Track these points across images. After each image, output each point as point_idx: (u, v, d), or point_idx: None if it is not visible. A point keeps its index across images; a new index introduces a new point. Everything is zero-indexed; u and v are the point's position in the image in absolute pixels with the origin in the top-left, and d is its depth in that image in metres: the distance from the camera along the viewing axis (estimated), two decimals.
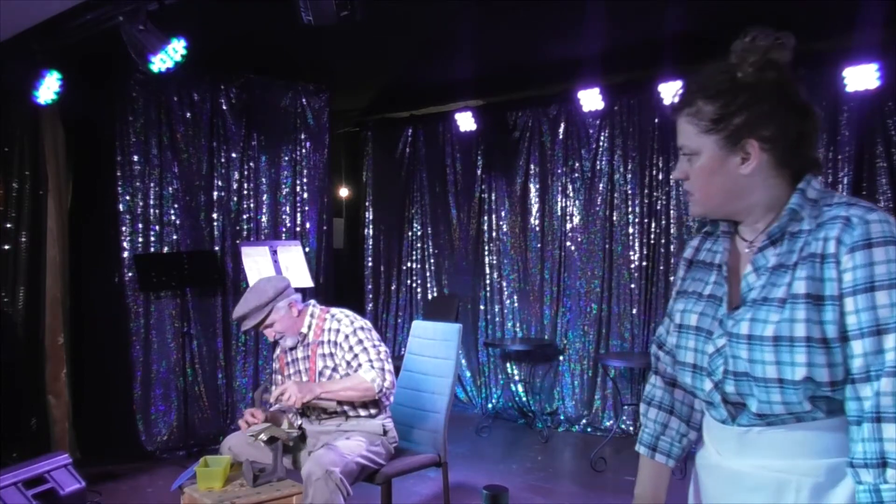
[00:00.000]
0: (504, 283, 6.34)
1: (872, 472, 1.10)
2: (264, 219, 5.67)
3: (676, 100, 1.35)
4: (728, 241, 1.37)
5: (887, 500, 1.08)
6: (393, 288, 7.01)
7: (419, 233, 6.95)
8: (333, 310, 3.09)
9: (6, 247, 4.55)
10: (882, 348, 1.12)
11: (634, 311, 5.56)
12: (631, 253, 5.59)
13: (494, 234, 6.42)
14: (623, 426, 5.48)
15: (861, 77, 4.34)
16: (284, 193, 5.78)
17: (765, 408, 1.22)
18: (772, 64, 1.28)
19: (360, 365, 2.91)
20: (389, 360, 2.96)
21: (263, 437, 2.82)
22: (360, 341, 2.95)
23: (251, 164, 5.60)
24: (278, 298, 2.97)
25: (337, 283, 6.32)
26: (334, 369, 2.98)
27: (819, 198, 1.25)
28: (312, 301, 3.15)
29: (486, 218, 6.45)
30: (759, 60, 1.28)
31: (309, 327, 3.03)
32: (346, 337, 2.96)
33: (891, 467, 1.09)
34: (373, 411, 3.01)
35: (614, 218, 5.70)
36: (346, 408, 2.98)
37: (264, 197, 5.66)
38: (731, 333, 1.25)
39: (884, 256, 1.14)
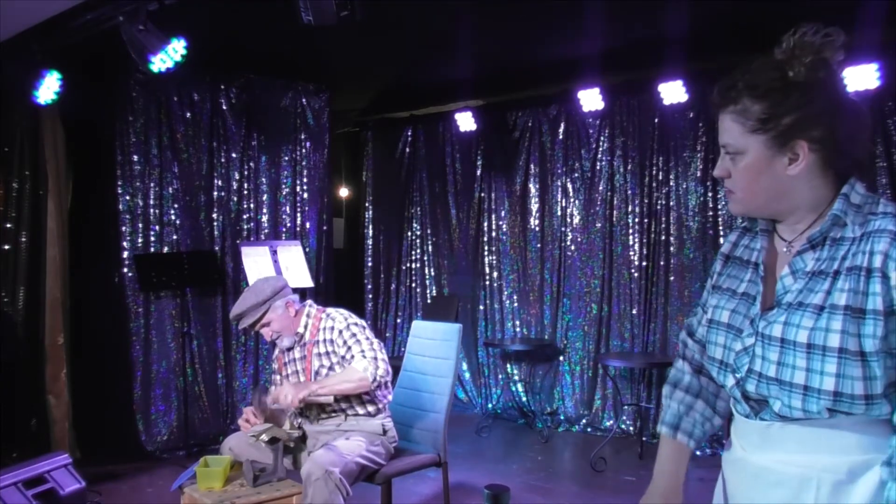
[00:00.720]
0: (504, 283, 6.34)
1: None
2: (264, 219, 5.67)
3: (719, 96, 1.32)
4: (766, 239, 1.36)
5: None
6: (393, 288, 7.01)
7: (419, 233, 6.95)
8: (329, 309, 3.10)
9: (6, 247, 4.55)
10: None
11: (634, 311, 5.56)
12: (631, 253, 5.59)
13: (494, 234, 6.42)
14: (623, 426, 5.48)
15: (861, 77, 4.34)
16: (284, 193, 5.78)
17: (784, 410, 1.23)
18: (823, 62, 1.25)
19: (352, 357, 2.92)
20: (383, 350, 2.97)
21: (265, 437, 2.82)
22: (354, 335, 2.96)
23: (251, 164, 5.60)
24: (275, 298, 2.98)
25: (337, 283, 6.32)
26: (331, 368, 2.98)
27: (863, 203, 1.23)
28: (309, 301, 3.15)
29: (485, 218, 6.45)
30: (813, 59, 1.25)
31: (305, 327, 3.04)
32: (340, 332, 2.97)
33: None
34: (371, 409, 3.01)
35: (614, 218, 5.70)
36: (343, 405, 2.98)
37: (264, 197, 5.67)
38: (763, 334, 1.25)
39: None
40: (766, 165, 1.25)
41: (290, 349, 3.07)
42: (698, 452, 4.97)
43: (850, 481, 1.20)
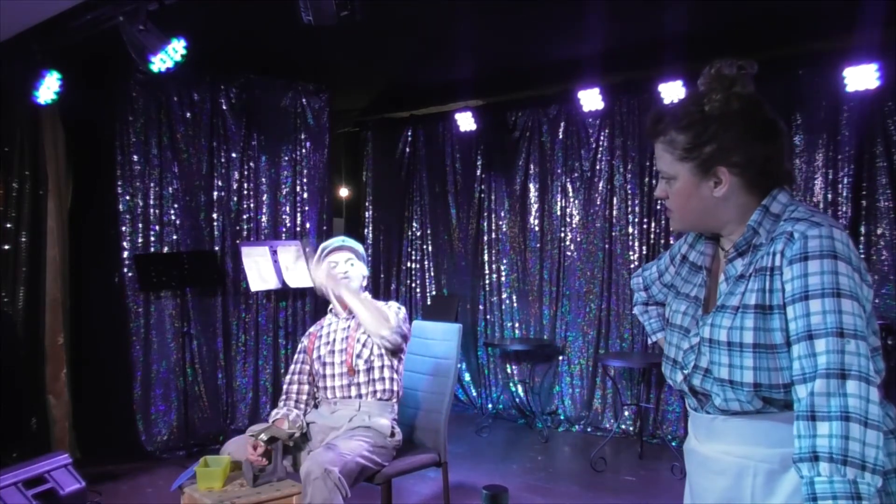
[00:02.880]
0: (503, 283, 6.34)
1: (807, 466, 1.19)
2: (264, 219, 5.67)
3: (651, 127, 1.46)
4: (711, 246, 1.51)
5: (819, 491, 1.16)
6: (393, 288, 7.01)
7: (419, 233, 6.95)
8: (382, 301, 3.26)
9: (6, 247, 4.55)
10: (814, 352, 1.22)
11: (634, 311, 5.55)
12: (631, 253, 5.59)
13: (494, 234, 6.42)
14: (623, 426, 5.48)
15: (861, 77, 4.35)
16: (284, 193, 5.78)
17: (723, 404, 1.37)
18: (736, 95, 1.38)
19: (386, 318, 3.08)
20: (408, 324, 3.16)
21: (264, 437, 2.82)
22: (390, 306, 3.15)
23: (251, 164, 5.60)
24: (364, 262, 3.25)
25: None
26: (371, 352, 3.07)
27: (782, 211, 1.37)
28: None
29: (485, 218, 6.45)
30: (725, 94, 1.38)
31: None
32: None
33: (822, 460, 1.17)
34: (387, 387, 3.07)
35: (614, 218, 5.70)
36: (362, 382, 3.05)
37: (264, 197, 5.66)
38: (701, 336, 1.40)
39: (818, 268, 1.25)
40: (695, 189, 1.41)
41: (335, 319, 3.20)
42: None
43: (782, 471, 1.31)
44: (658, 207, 5.46)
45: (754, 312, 1.32)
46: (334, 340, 3.15)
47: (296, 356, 3.27)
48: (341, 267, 3.17)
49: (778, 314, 1.30)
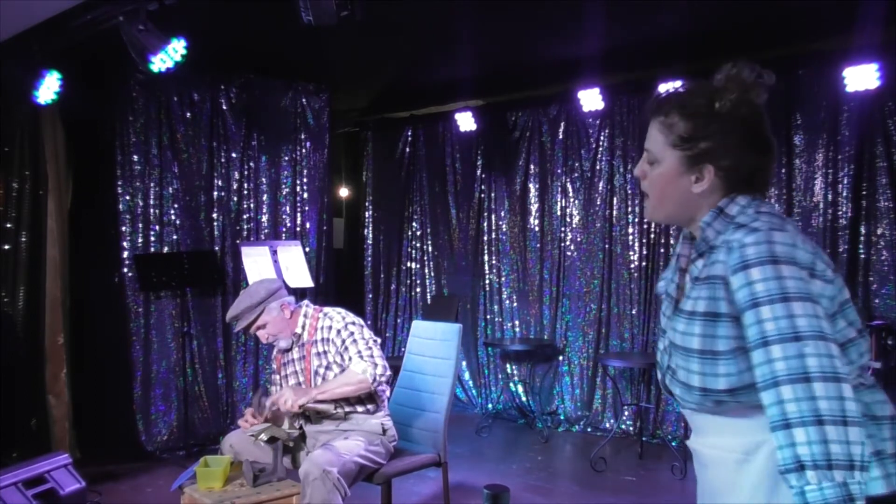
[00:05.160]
0: (503, 283, 6.34)
1: (794, 476, 1.17)
2: (264, 219, 5.67)
3: (654, 104, 1.43)
4: (687, 246, 1.49)
5: (811, 500, 1.14)
6: (393, 288, 7.01)
7: (419, 233, 6.95)
8: (326, 309, 3.10)
9: (6, 247, 4.55)
10: (771, 358, 1.21)
11: (634, 311, 5.56)
12: (631, 253, 5.59)
13: (494, 234, 6.42)
14: (623, 426, 5.48)
15: (861, 77, 4.35)
16: (284, 193, 5.78)
17: (684, 403, 1.42)
18: (747, 102, 1.37)
19: (350, 358, 2.92)
20: (379, 348, 2.97)
21: (264, 437, 2.82)
22: (351, 333, 2.96)
23: (251, 164, 5.60)
24: (270, 300, 2.98)
25: (337, 283, 6.32)
26: (328, 367, 2.98)
27: (738, 214, 1.37)
28: (305, 301, 3.15)
29: (485, 218, 6.45)
30: (738, 97, 1.36)
31: (303, 327, 3.04)
32: (338, 332, 2.97)
33: (808, 469, 1.15)
34: (370, 406, 3.00)
35: (614, 218, 5.70)
36: (343, 406, 2.98)
37: (264, 197, 5.66)
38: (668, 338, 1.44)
39: (760, 276, 1.24)
40: (676, 178, 1.40)
41: (288, 350, 3.08)
42: None
43: (745, 460, 1.34)
44: None
45: (703, 319, 1.33)
46: (293, 373, 3.09)
47: (272, 369, 3.26)
48: (262, 334, 3.00)
49: (725, 323, 1.31)
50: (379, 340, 3.06)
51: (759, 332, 1.23)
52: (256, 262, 4.90)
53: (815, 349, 1.19)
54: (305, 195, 5.88)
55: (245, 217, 5.58)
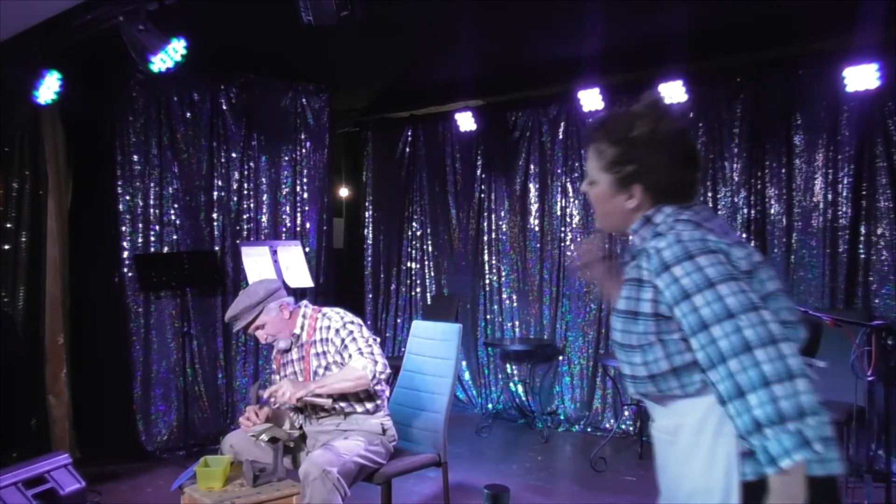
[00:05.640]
0: (503, 283, 6.34)
1: (756, 437, 1.32)
2: (264, 219, 5.66)
3: (588, 132, 1.65)
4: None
5: (774, 453, 1.30)
6: (393, 288, 7.01)
7: (419, 233, 6.95)
8: (325, 309, 3.10)
9: (6, 247, 4.55)
10: (713, 339, 1.37)
11: None
12: None
13: (494, 234, 6.42)
14: (623, 426, 5.48)
15: (861, 77, 4.34)
16: (284, 193, 5.78)
17: (633, 393, 1.59)
18: (665, 125, 1.53)
19: (349, 355, 2.92)
20: (378, 346, 2.97)
21: (264, 437, 2.82)
22: (350, 332, 2.96)
23: (251, 164, 5.60)
24: (269, 300, 2.98)
25: (337, 283, 6.32)
26: (328, 367, 2.98)
27: (662, 222, 1.54)
28: (304, 301, 3.15)
29: (485, 218, 6.45)
30: (652, 123, 1.53)
31: (302, 328, 3.04)
32: (337, 331, 2.97)
33: (765, 427, 1.30)
34: (369, 406, 3.00)
35: None
36: (343, 405, 2.97)
37: (264, 197, 5.66)
38: None
39: (682, 272, 1.42)
40: (611, 197, 1.60)
41: (287, 350, 3.08)
42: None
43: (671, 442, 1.55)
44: None
45: (625, 316, 1.51)
46: (292, 373, 3.08)
47: (272, 368, 3.26)
48: (260, 335, 3.01)
49: (643, 320, 1.48)
50: (378, 339, 3.06)
51: (697, 319, 1.39)
52: (256, 262, 4.90)
53: (748, 321, 1.35)
54: (305, 195, 5.88)
55: (245, 217, 5.58)
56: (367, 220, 7.07)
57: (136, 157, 5.03)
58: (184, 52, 3.76)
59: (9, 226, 4.56)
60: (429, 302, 6.81)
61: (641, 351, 1.49)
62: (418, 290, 6.94)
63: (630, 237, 1.58)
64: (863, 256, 4.61)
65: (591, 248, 1.82)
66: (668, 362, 1.47)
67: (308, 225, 5.89)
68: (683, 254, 1.42)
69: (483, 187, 6.46)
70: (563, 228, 5.96)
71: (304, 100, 5.86)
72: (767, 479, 1.33)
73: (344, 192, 7.42)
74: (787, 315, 1.47)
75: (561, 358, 5.93)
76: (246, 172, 5.58)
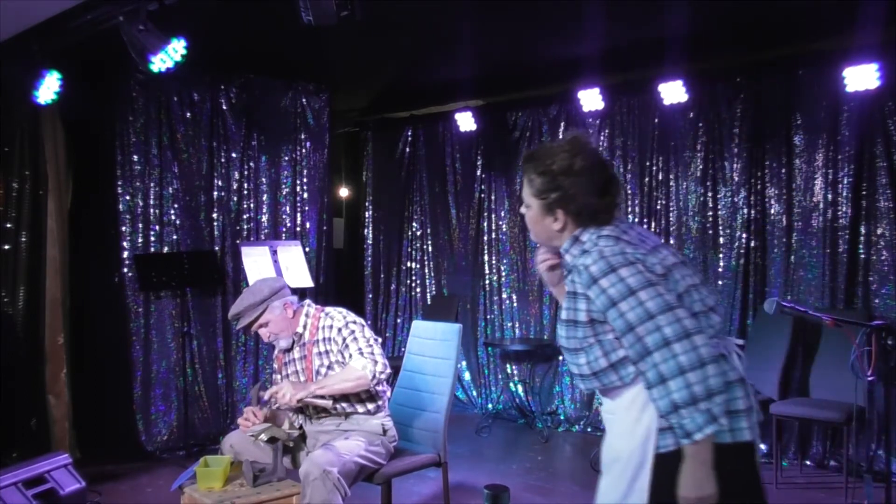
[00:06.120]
0: (503, 283, 6.34)
1: (674, 416, 1.60)
2: (264, 219, 5.66)
3: (522, 162, 1.88)
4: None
5: (689, 428, 1.59)
6: (393, 288, 7.01)
7: (419, 233, 6.95)
8: (328, 308, 3.10)
9: (6, 247, 4.55)
10: (640, 337, 1.64)
11: None
12: None
13: (494, 234, 6.41)
14: None
15: (861, 77, 4.34)
16: (284, 193, 5.78)
17: (581, 388, 1.90)
18: (581, 158, 1.79)
19: (350, 355, 2.92)
20: (379, 346, 2.97)
21: (264, 437, 2.82)
22: (352, 332, 2.96)
23: (251, 164, 5.60)
24: (273, 298, 2.98)
25: (337, 283, 6.32)
26: (330, 367, 2.97)
27: (587, 240, 1.79)
28: (307, 301, 3.15)
29: (485, 218, 6.45)
30: (571, 157, 1.79)
31: (304, 327, 3.04)
32: (339, 331, 2.97)
33: (680, 408, 1.59)
34: (370, 406, 3.00)
35: None
36: (343, 405, 2.97)
37: (264, 197, 5.66)
38: None
39: (608, 283, 1.68)
40: (540, 220, 1.86)
41: (289, 350, 3.07)
42: None
43: (610, 420, 1.85)
44: (658, 207, 5.46)
45: (567, 325, 1.79)
46: (293, 372, 3.08)
47: (273, 368, 3.25)
48: (263, 333, 3.00)
49: (581, 327, 1.76)
50: (380, 340, 3.06)
51: (625, 322, 1.66)
52: (256, 262, 4.90)
53: (666, 320, 1.62)
54: (305, 195, 5.88)
55: (245, 217, 5.58)
56: (367, 220, 7.07)
57: (136, 157, 5.03)
58: (184, 52, 3.75)
59: (9, 226, 4.56)
60: (429, 302, 6.81)
61: (584, 352, 1.77)
62: (418, 290, 6.94)
63: (562, 254, 1.85)
64: (863, 256, 4.61)
65: (545, 256, 1.99)
66: (607, 359, 1.75)
67: (308, 225, 5.89)
68: (608, 268, 1.69)
69: (483, 187, 6.46)
70: None
71: (304, 100, 5.86)
72: (683, 449, 1.62)
73: (344, 192, 7.42)
74: (700, 306, 1.73)
75: (561, 358, 5.93)
76: (246, 172, 5.57)
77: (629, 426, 1.76)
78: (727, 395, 1.61)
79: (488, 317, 6.45)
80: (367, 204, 7.09)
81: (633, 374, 1.73)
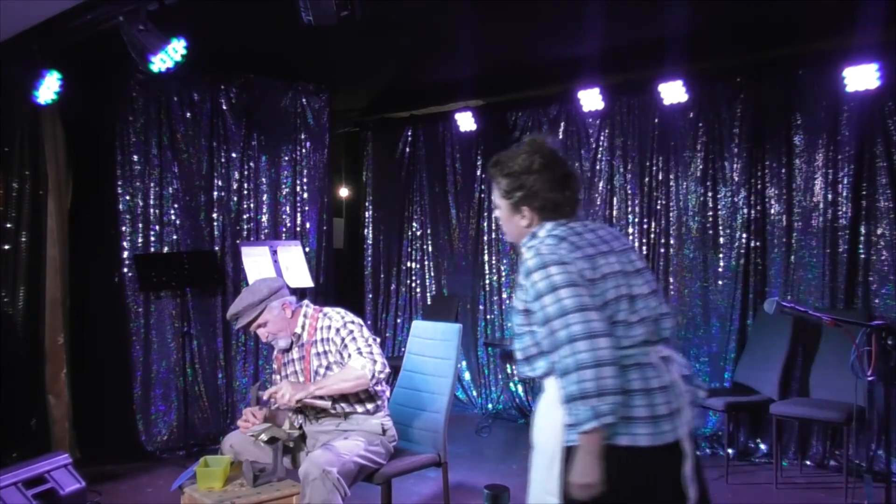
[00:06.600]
0: (503, 283, 6.34)
1: (569, 405, 1.75)
2: (264, 219, 5.66)
3: (489, 166, 2.05)
4: None
5: (577, 420, 1.74)
6: (393, 288, 7.01)
7: (419, 233, 6.95)
8: (326, 309, 3.10)
9: (6, 247, 4.55)
10: (554, 331, 1.79)
11: None
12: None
13: (494, 234, 6.41)
14: None
15: (861, 77, 4.34)
16: (284, 193, 5.78)
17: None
18: (539, 157, 1.96)
19: (349, 355, 2.92)
20: (378, 346, 2.97)
21: (264, 437, 2.82)
22: (351, 332, 2.96)
23: (251, 164, 5.60)
24: (272, 298, 2.98)
25: (337, 283, 6.32)
26: (328, 367, 2.97)
27: (538, 237, 1.93)
28: (306, 301, 3.15)
29: (485, 218, 6.45)
30: (529, 157, 1.96)
31: (303, 327, 3.04)
32: (337, 331, 2.97)
33: (575, 400, 1.73)
34: (369, 406, 3.00)
35: (614, 218, 5.70)
36: (343, 405, 2.97)
37: (264, 197, 5.66)
38: None
39: (539, 277, 1.83)
40: (509, 218, 2.03)
41: (288, 350, 3.08)
42: (698, 452, 4.96)
43: (538, 407, 2.00)
44: (658, 207, 5.46)
45: (513, 310, 1.97)
46: (293, 373, 3.08)
47: (273, 368, 3.25)
48: (262, 333, 3.01)
49: (518, 315, 1.93)
50: (378, 339, 3.06)
51: (545, 315, 1.81)
52: (256, 262, 4.90)
53: (577, 319, 1.76)
54: (305, 195, 5.88)
55: (245, 217, 5.58)
56: (367, 220, 7.07)
57: (136, 157, 5.03)
58: (184, 52, 3.75)
59: (9, 226, 4.56)
60: (429, 302, 6.81)
61: (520, 338, 1.96)
62: (418, 290, 6.94)
63: (522, 249, 1.97)
64: (863, 256, 4.61)
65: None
66: (536, 347, 1.90)
67: (308, 225, 5.89)
68: (541, 263, 1.84)
69: (483, 187, 6.46)
70: None
71: (304, 100, 5.86)
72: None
73: (344, 192, 7.42)
74: (625, 315, 1.85)
75: None
76: (246, 172, 5.57)
77: (548, 416, 1.91)
78: (616, 398, 1.72)
79: (488, 317, 6.45)
80: (367, 204, 7.09)
81: (539, 370, 1.92)
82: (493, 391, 6.34)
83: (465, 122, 6.16)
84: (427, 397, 3.32)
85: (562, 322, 1.77)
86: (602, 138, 5.74)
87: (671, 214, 5.39)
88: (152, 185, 5.10)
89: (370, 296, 6.99)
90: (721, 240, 5.16)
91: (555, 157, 1.99)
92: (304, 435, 3.08)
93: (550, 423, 1.88)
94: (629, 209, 5.60)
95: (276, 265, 4.97)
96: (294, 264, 5.07)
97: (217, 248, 5.41)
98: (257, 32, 4.56)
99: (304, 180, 5.87)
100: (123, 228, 4.99)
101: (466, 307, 6.52)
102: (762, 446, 4.87)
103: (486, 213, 6.45)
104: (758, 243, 5.02)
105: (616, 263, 1.89)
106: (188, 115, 5.25)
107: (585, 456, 1.76)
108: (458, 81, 5.78)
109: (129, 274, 4.98)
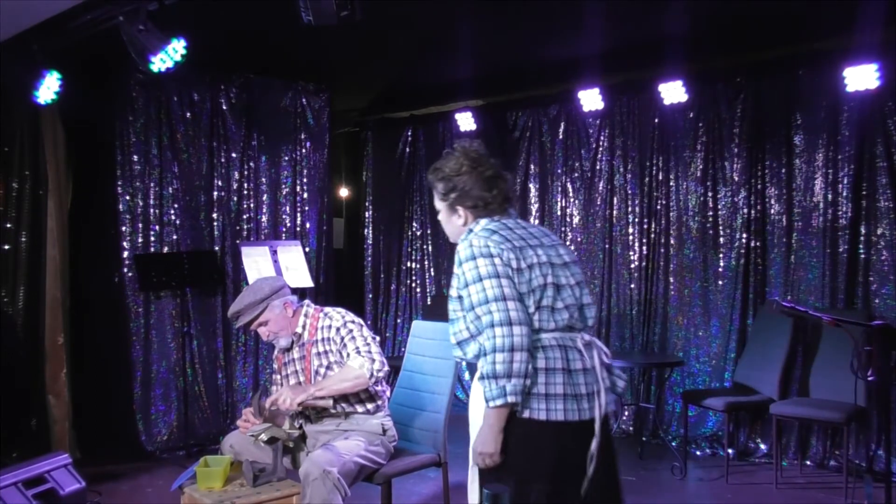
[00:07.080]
0: None
1: (484, 382, 1.98)
2: (264, 219, 5.66)
3: (429, 173, 2.28)
4: None
5: (488, 397, 1.97)
6: (393, 288, 7.01)
7: (419, 233, 6.95)
8: (327, 308, 3.10)
9: (6, 247, 4.55)
10: (478, 316, 2.02)
11: (634, 311, 5.55)
12: (631, 253, 5.59)
13: None
14: (623, 426, 5.48)
15: (861, 77, 4.34)
16: (284, 193, 5.78)
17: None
18: (466, 160, 2.20)
19: (348, 354, 2.92)
20: (377, 345, 2.97)
21: (264, 437, 2.82)
22: (350, 331, 2.96)
23: (251, 164, 5.60)
24: (273, 297, 2.98)
25: (337, 283, 6.32)
26: (329, 367, 2.97)
27: (472, 232, 2.13)
28: (307, 301, 3.15)
29: None
30: (458, 160, 2.21)
31: (304, 327, 3.04)
32: (338, 330, 2.97)
33: (487, 378, 1.97)
34: (370, 406, 3.00)
35: (614, 218, 5.69)
36: (343, 405, 2.97)
37: (264, 197, 5.66)
38: None
39: (468, 268, 2.05)
40: (448, 219, 2.25)
41: (288, 349, 3.08)
42: (698, 452, 4.97)
43: (472, 390, 2.25)
44: (658, 207, 5.46)
45: (449, 297, 2.17)
46: (293, 372, 3.08)
47: (273, 368, 3.25)
48: (262, 332, 3.00)
49: (453, 301, 2.14)
50: (378, 339, 3.06)
51: (470, 302, 2.03)
52: (256, 262, 4.90)
53: (497, 307, 1.98)
54: (305, 195, 5.87)
55: (245, 217, 5.58)
56: (367, 220, 7.07)
57: (136, 157, 5.03)
58: (184, 52, 3.76)
59: (9, 226, 4.56)
60: (429, 302, 6.81)
61: (452, 323, 2.14)
62: (418, 290, 6.94)
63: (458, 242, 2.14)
64: (863, 256, 4.61)
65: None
66: (468, 331, 2.09)
67: (308, 225, 5.89)
68: (471, 255, 2.05)
69: None
70: (563, 228, 5.95)
71: (304, 100, 5.86)
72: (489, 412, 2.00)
73: (344, 192, 7.41)
74: (550, 301, 2.05)
75: None
76: (246, 172, 5.57)
77: (478, 396, 2.12)
78: (523, 380, 1.95)
79: None
80: (367, 204, 7.08)
81: (469, 353, 2.11)
82: None
83: (465, 122, 6.16)
84: (427, 397, 3.32)
85: (484, 309, 1.99)
86: (602, 138, 5.74)
87: (671, 214, 5.40)
88: (152, 185, 5.10)
89: (370, 296, 6.99)
90: (721, 240, 5.16)
91: (481, 160, 2.21)
92: (304, 435, 3.08)
93: (477, 398, 2.12)
94: (629, 209, 5.60)
95: (276, 265, 4.97)
96: (294, 264, 5.07)
97: (217, 248, 5.41)
98: (257, 32, 4.56)
99: (304, 180, 5.87)
100: (123, 228, 4.99)
101: None
102: (762, 446, 4.87)
103: None
104: (758, 243, 5.02)
105: (543, 255, 2.09)
106: (188, 115, 5.25)
107: (488, 429, 2.01)
108: (458, 81, 5.78)
109: (129, 274, 4.98)
